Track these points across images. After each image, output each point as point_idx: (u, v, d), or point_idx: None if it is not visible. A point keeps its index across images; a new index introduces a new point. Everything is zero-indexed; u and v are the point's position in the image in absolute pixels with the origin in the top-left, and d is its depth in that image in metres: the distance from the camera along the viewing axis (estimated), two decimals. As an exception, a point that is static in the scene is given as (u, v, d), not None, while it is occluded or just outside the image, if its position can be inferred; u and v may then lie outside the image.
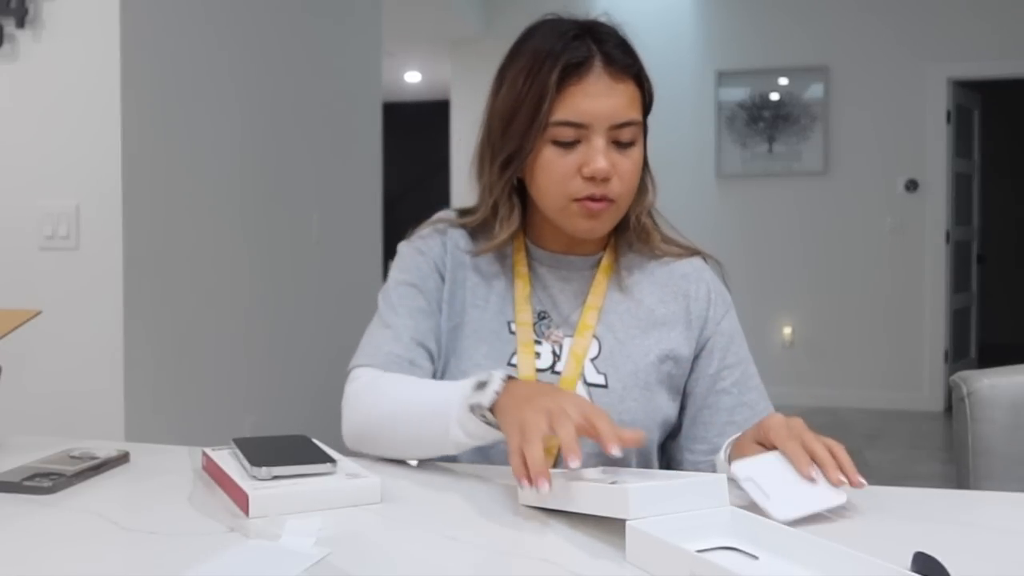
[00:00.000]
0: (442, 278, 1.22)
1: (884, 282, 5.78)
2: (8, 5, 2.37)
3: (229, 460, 1.00)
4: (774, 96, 5.94)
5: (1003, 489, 1.16)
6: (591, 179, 1.11)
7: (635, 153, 1.13)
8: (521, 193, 1.21)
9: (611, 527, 0.81)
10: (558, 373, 1.17)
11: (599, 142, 1.10)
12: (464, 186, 8.04)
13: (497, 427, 0.95)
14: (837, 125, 5.84)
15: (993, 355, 4.29)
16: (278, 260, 3.19)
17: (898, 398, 5.75)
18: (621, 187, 1.13)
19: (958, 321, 5.97)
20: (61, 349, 2.37)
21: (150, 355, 2.48)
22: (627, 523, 0.76)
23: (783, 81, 5.93)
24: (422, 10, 5.79)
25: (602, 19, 1.17)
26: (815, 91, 5.86)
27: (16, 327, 1.15)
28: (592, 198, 1.12)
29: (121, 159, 2.35)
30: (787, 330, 5.95)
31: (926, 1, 5.68)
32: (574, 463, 0.82)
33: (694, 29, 6.07)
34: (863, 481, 0.90)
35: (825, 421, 5.42)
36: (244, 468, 0.95)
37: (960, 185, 5.93)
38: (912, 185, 5.72)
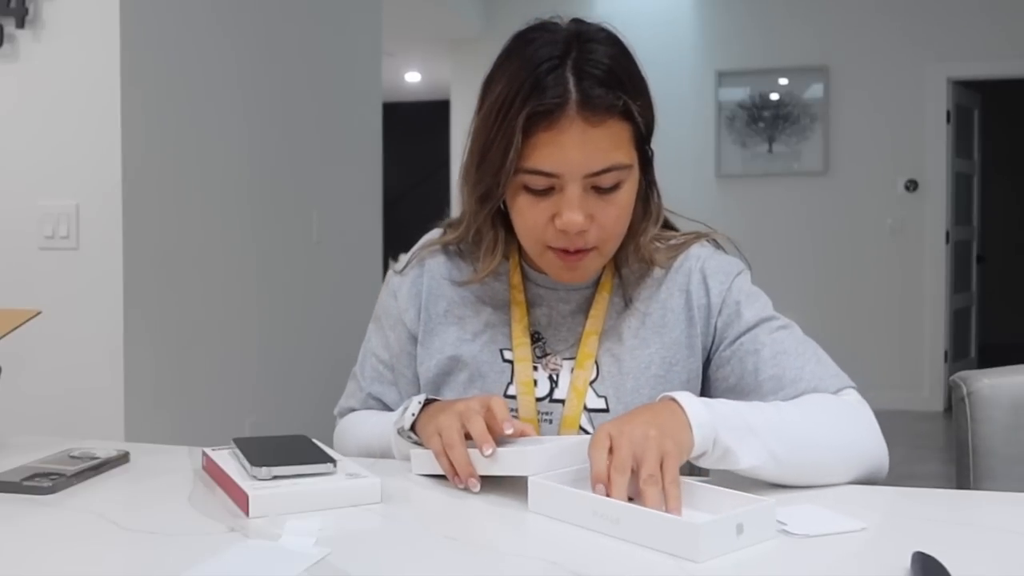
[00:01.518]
0: (413, 321, 1.19)
1: (884, 282, 5.78)
2: (8, 5, 2.37)
3: (229, 460, 1.00)
4: (774, 96, 5.94)
5: (1003, 489, 1.16)
6: (565, 231, 1.02)
7: (621, 197, 1.04)
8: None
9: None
10: (558, 401, 1.12)
11: (573, 193, 1.00)
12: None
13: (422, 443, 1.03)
14: (837, 125, 5.84)
15: (993, 355, 4.28)
16: (278, 260, 3.19)
17: (898, 398, 5.75)
18: (602, 235, 1.04)
19: (958, 321, 5.97)
20: (61, 349, 2.37)
21: (150, 355, 2.48)
22: (529, 478, 0.89)
23: (783, 81, 5.93)
24: (422, 10, 5.79)
25: (604, 27, 1.05)
26: (815, 91, 5.86)
27: (16, 327, 1.15)
28: (567, 250, 1.05)
29: (121, 159, 2.35)
30: (787, 330, 5.94)
31: (926, 1, 5.68)
32: (488, 450, 0.92)
33: (694, 29, 6.07)
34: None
35: (825, 421, 5.42)
36: (244, 468, 0.95)
37: (960, 185, 5.93)
38: (912, 185, 5.72)
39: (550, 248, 1.05)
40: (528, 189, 1.03)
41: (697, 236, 1.19)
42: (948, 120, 5.69)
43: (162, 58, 2.54)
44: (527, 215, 1.04)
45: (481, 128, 1.04)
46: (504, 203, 1.10)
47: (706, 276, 1.15)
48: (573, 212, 1.01)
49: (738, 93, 5.99)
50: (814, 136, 5.85)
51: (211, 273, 2.80)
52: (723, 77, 5.98)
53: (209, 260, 2.79)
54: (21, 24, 2.37)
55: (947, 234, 5.72)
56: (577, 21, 1.06)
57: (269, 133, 3.13)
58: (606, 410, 1.10)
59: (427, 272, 1.20)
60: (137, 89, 2.41)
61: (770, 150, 5.94)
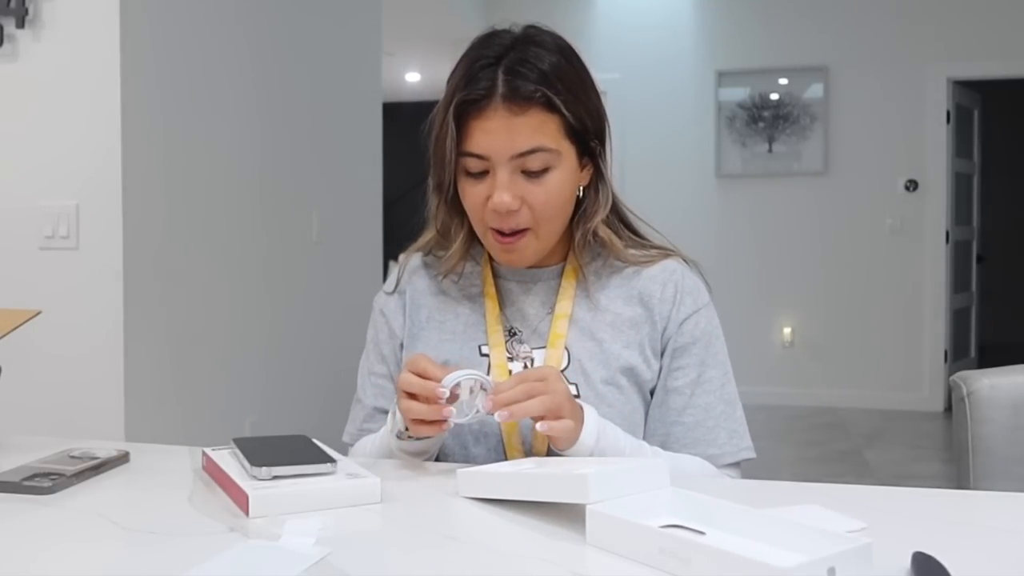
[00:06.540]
0: (401, 329, 1.26)
1: (884, 282, 5.78)
2: (8, 5, 2.37)
3: (229, 460, 1.00)
4: (774, 96, 5.94)
5: (1003, 489, 1.16)
6: (496, 211, 1.12)
7: (550, 180, 1.12)
8: None
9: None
10: None
11: (502, 175, 1.10)
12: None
13: (418, 437, 1.07)
14: (837, 125, 5.84)
15: (993, 355, 4.29)
16: (278, 260, 3.19)
17: (898, 398, 5.75)
18: (534, 216, 1.13)
19: (958, 321, 5.97)
20: (61, 349, 2.37)
21: (150, 355, 2.48)
22: (587, 507, 0.81)
23: (783, 81, 5.93)
24: (422, 10, 5.79)
25: (555, 35, 1.15)
26: (815, 91, 5.86)
27: (16, 327, 1.15)
28: (501, 231, 1.13)
29: (121, 159, 2.35)
30: (787, 330, 5.94)
31: (926, 1, 5.68)
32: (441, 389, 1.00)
33: (694, 29, 6.07)
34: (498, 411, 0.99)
35: (825, 421, 5.42)
36: (244, 468, 0.95)
37: (960, 185, 5.93)
38: (912, 185, 5.72)
39: (490, 229, 1.15)
40: (468, 173, 1.13)
41: (671, 252, 1.25)
42: (948, 120, 5.69)
43: (162, 58, 2.54)
44: (468, 197, 1.15)
45: (433, 124, 1.16)
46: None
47: (677, 292, 1.21)
48: (502, 192, 1.10)
49: (738, 93, 5.99)
50: (814, 136, 5.85)
51: (211, 273, 2.80)
52: (723, 77, 5.98)
53: (209, 260, 2.79)
54: (21, 24, 2.37)
55: (947, 234, 5.72)
56: (531, 27, 1.17)
57: (269, 133, 3.13)
58: (577, 396, 1.14)
59: (410, 286, 1.28)
60: (137, 89, 2.41)
61: (770, 150, 5.94)
